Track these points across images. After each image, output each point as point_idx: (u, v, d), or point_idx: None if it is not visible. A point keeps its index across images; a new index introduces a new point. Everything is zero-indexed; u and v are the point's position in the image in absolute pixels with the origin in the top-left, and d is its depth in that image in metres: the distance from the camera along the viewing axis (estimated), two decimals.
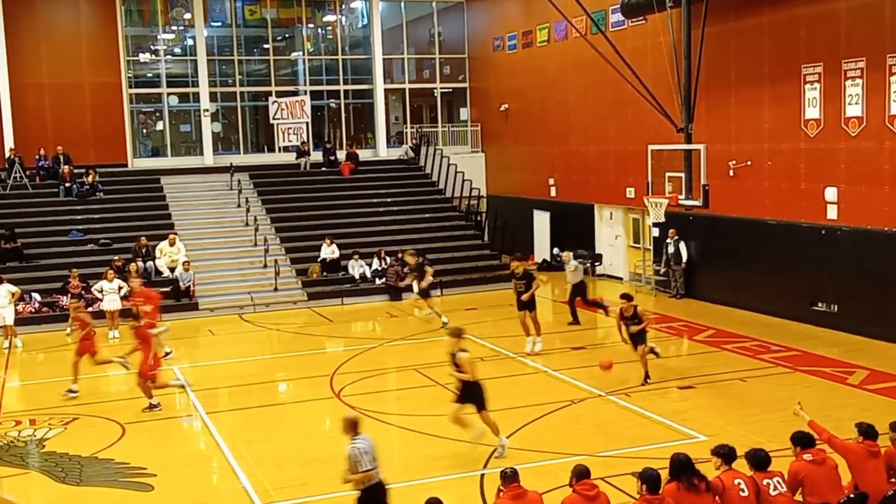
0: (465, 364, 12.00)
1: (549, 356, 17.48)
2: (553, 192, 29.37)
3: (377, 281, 25.36)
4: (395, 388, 16.56)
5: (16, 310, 20.96)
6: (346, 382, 16.31)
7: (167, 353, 17.95)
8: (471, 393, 12.07)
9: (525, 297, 17.90)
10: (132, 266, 22.68)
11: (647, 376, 15.40)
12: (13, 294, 20.75)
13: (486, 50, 32.69)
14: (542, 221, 29.91)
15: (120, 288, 21.48)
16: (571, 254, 21.41)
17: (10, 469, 12.54)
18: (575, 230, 28.14)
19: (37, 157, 28.23)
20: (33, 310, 22.22)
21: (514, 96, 31.17)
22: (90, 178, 27.60)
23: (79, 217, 26.56)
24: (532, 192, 30.32)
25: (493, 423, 12.09)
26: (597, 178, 26.97)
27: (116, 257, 23.54)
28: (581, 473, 8.12)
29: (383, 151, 33.31)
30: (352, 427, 9.10)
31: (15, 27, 28.76)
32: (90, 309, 21.83)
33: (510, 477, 8.15)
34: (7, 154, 28.08)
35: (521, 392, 15.48)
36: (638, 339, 15.55)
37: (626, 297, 15.89)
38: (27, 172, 27.72)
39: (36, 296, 22.69)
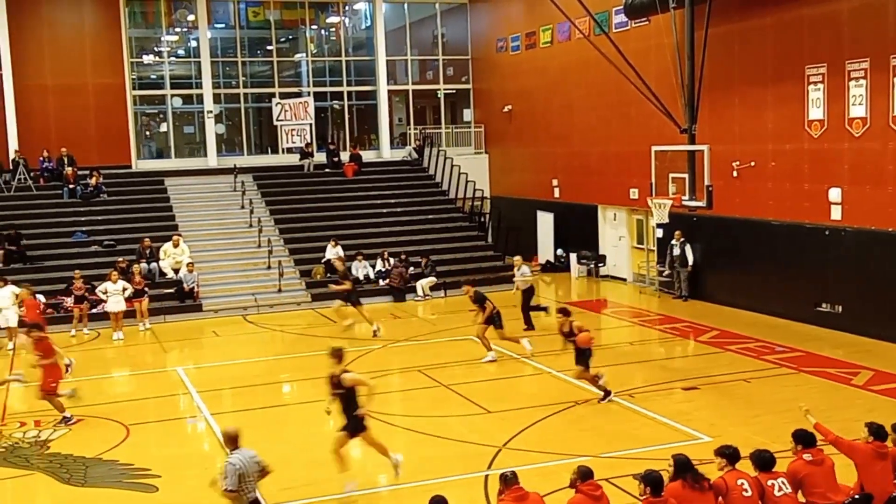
0: (360, 379, 11.19)
1: (552, 357, 17.45)
2: (556, 193, 29.37)
3: (381, 282, 25.38)
4: (399, 390, 16.55)
5: (18, 312, 20.94)
6: None
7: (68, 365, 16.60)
8: (357, 420, 11.16)
9: (479, 319, 17.72)
10: (135, 267, 22.72)
11: (606, 392, 14.55)
12: (17, 296, 20.76)
13: (489, 51, 32.71)
14: (545, 222, 29.91)
15: (124, 289, 21.52)
16: (521, 257, 21.39)
17: (14, 470, 12.56)
18: (578, 231, 28.16)
19: (41, 158, 28.28)
20: (38, 311, 22.18)
21: (518, 97, 31.18)
22: (94, 180, 27.64)
23: (83, 219, 26.58)
24: (535, 193, 30.32)
25: (380, 444, 11.39)
26: (600, 178, 26.97)
27: (121, 259, 23.57)
28: (585, 474, 8.15)
29: (387, 153, 33.34)
30: (230, 441, 8.93)
31: (19, 29, 28.80)
32: (94, 310, 21.97)
33: (511, 479, 8.17)
34: (12, 156, 28.14)
35: (525, 393, 15.51)
36: (578, 359, 14.65)
37: (563, 311, 15.18)
38: (31, 174, 27.76)
39: (41, 297, 22.67)
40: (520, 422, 13.54)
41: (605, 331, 21.53)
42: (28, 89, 28.93)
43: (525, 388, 15.84)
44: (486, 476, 11.33)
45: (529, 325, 20.30)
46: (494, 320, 17.58)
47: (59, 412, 14.60)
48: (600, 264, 27.45)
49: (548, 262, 29.36)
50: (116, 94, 30.31)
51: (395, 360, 18.57)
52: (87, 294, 22.11)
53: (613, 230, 27.22)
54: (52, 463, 12.72)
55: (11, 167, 27.79)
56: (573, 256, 28.16)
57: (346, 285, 21.04)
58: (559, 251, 29.11)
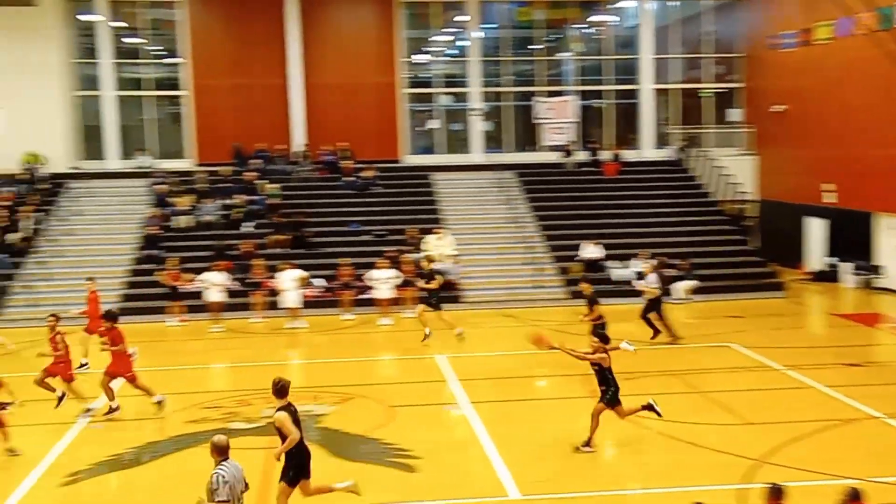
0: (284, 424, 9.71)
1: (820, 371, 16.60)
2: (829, 198, 27.73)
3: (638, 283, 25.07)
4: (653, 393, 16.31)
5: (301, 294, 22.62)
6: None
7: (82, 365, 17.58)
8: (286, 462, 9.95)
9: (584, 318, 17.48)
10: (406, 257, 23.86)
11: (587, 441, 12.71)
12: (300, 279, 22.44)
13: (760, 48, 31.36)
14: (815, 229, 28.36)
15: (396, 277, 22.58)
16: (651, 264, 20.25)
17: None
18: (851, 239, 26.47)
19: (322, 151, 30.43)
20: (317, 294, 23.81)
21: (790, 97, 29.71)
22: (367, 174, 29.35)
23: (357, 209, 28.26)
24: (805, 198, 28.78)
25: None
26: (878, 184, 25.16)
27: (391, 248, 24.80)
28: (854, 495, 7.76)
29: (649, 152, 32.89)
30: (218, 451, 8.53)
31: (311, 32, 31.31)
32: (363, 296, 23.27)
33: (776, 493, 7.90)
34: (301, 149, 30.53)
35: (787, 406, 14.83)
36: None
37: (599, 335, 13.31)
38: (313, 166, 29.96)
39: (321, 281, 24.27)
40: (781, 436, 13.01)
41: (879, 347, 20.20)
42: (316, 87, 31.26)
43: (788, 401, 15.14)
44: (741, 489, 11.01)
45: (655, 330, 19.53)
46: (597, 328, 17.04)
47: (109, 400, 14.91)
48: (876, 275, 25.65)
49: (819, 271, 27.78)
50: (390, 93, 32.07)
51: (650, 363, 18.32)
52: (353, 281, 23.48)
53: (893, 239, 25.32)
54: (324, 436, 13.70)
55: (301, 159, 30.15)
56: (845, 266, 26.50)
57: (432, 285, 20.30)
58: (830, 259, 27.49)
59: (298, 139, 31.09)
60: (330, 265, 24.68)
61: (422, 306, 20.22)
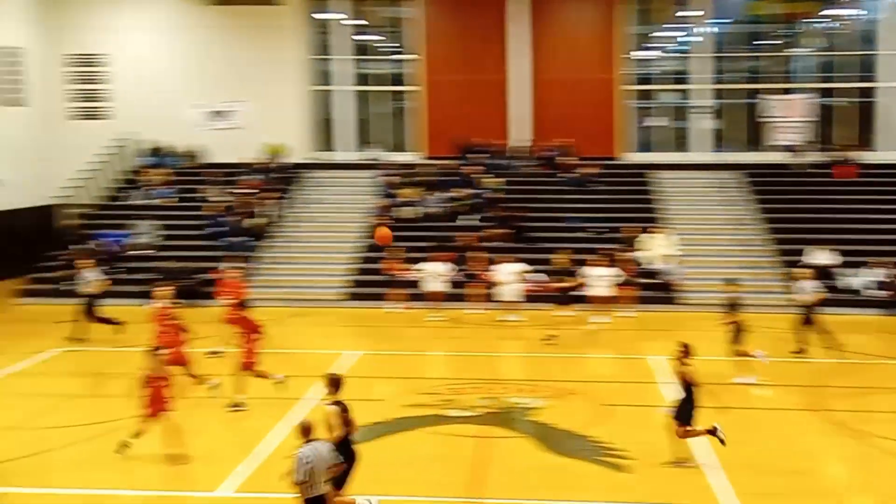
0: (331, 418, 9.77)
1: None
2: None
3: (876, 293, 23.60)
4: (884, 410, 15.42)
5: (519, 288, 22.86)
6: (831, 395, 15.63)
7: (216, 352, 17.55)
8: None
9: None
10: (622, 255, 23.60)
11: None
12: (520, 273, 22.74)
13: None
14: None
15: (612, 275, 22.35)
16: (809, 271, 18.75)
17: (504, 431, 13.95)
18: None
19: (542, 147, 30.66)
20: (533, 289, 23.96)
21: None
22: (588, 171, 29.28)
23: (574, 206, 28.25)
24: None
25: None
26: None
27: (613, 245, 24.58)
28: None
29: (890, 154, 30.82)
30: (303, 433, 9.06)
31: (539, 28, 31.67)
32: (579, 293, 23.17)
33: None
34: (524, 144, 30.94)
35: None
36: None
37: (684, 345, 12.41)
38: (535, 162, 30.26)
39: (541, 276, 24.41)
40: None
41: None
42: (543, 83, 31.60)
43: None
44: None
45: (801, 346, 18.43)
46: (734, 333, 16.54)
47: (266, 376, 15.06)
48: None
49: None
50: (611, 89, 31.85)
51: (881, 379, 17.32)
52: (566, 278, 23.44)
53: None
54: (536, 430, 13.90)
55: (526, 154, 30.53)
56: None
57: (569, 283, 20.17)
58: None
59: (517, 134, 31.48)
60: (546, 260, 24.85)
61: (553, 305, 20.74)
